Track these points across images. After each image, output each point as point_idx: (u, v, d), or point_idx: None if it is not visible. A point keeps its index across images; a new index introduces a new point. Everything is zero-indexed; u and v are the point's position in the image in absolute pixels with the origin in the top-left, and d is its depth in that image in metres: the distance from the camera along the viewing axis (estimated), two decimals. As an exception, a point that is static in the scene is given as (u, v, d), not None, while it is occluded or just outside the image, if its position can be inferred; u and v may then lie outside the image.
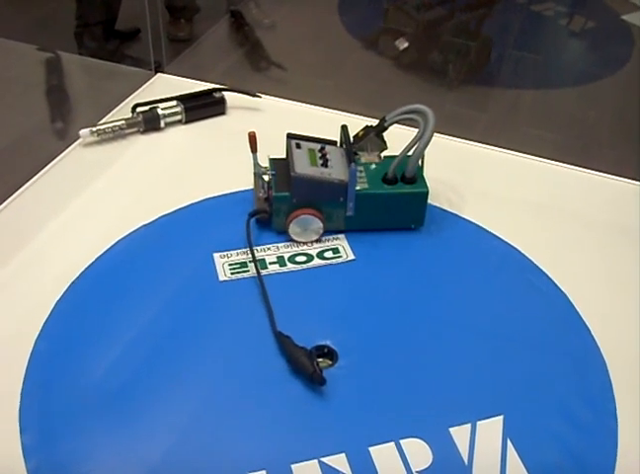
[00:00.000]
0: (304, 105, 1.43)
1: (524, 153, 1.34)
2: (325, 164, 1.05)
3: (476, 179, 1.24)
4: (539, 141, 1.81)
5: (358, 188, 1.05)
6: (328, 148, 1.09)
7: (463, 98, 2.16)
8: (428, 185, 1.07)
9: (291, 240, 1.08)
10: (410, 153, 1.05)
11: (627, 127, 2.03)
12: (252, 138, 1.06)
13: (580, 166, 1.32)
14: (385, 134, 1.10)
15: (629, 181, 1.29)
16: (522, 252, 1.10)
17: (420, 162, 1.08)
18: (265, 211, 1.08)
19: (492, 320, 1.00)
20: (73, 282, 1.00)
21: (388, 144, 1.11)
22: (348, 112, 1.39)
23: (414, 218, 1.10)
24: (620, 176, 1.30)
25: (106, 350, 0.92)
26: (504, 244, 1.11)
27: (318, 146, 1.09)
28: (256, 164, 1.08)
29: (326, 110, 1.41)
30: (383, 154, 1.11)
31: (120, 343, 0.93)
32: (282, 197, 1.05)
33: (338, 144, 1.11)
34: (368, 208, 1.07)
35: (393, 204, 1.07)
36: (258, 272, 1.02)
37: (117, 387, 0.87)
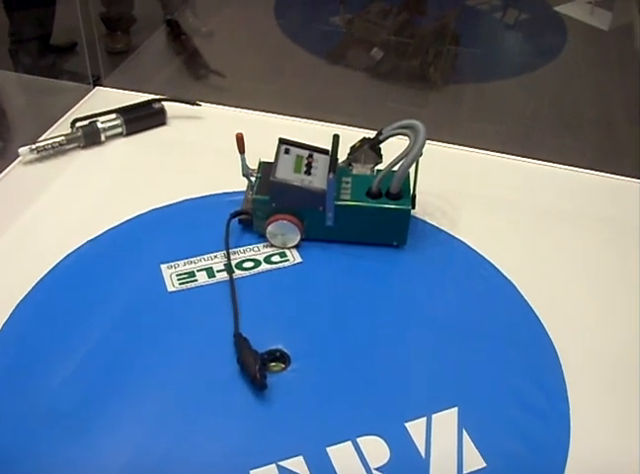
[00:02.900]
0: (246, 111, 1.43)
1: (468, 147, 1.36)
2: (308, 172, 1.05)
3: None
4: (482, 134, 1.84)
5: (340, 199, 1.05)
6: (316, 156, 1.08)
7: (402, 95, 2.18)
8: (415, 201, 1.07)
9: (270, 244, 1.08)
10: (395, 168, 1.04)
11: (566, 114, 2.07)
12: (239, 139, 1.06)
13: (523, 156, 1.34)
14: (387, 145, 1.09)
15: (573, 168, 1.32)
16: (469, 244, 1.12)
17: (414, 178, 1.07)
18: (246, 213, 1.09)
19: (441, 315, 1.01)
20: (19, 304, 0.98)
21: (390, 156, 1.07)
22: (290, 115, 1.40)
23: (396, 235, 1.08)
24: (562, 163, 1.33)
25: (56, 370, 0.90)
26: (451, 237, 1.13)
27: (307, 153, 1.09)
28: (244, 165, 1.08)
29: (268, 114, 1.42)
30: (377, 167, 1.10)
31: (71, 362, 0.91)
32: (262, 200, 1.05)
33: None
34: (349, 220, 1.06)
35: (373, 219, 1.06)
36: (230, 274, 1.02)
37: (69, 406, 0.86)
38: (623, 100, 2.09)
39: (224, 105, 1.44)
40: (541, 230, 1.17)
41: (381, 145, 1.09)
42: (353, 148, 1.11)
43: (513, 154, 1.34)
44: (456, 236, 1.13)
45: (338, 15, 2.51)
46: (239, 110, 1.43)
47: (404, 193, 1.06)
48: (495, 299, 1.04)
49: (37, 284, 1.01)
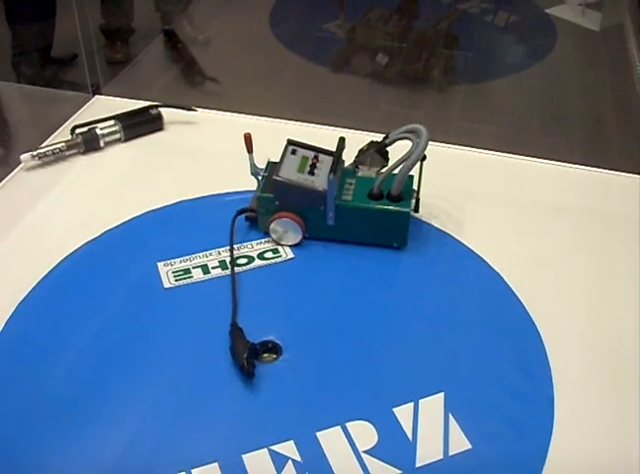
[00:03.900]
0: (240, 115, 1.46)
1: (463, 146, 1.38)
2: (312, 172, 1.08)
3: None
4: (474, 133, 1.86)
5: (341, 199, 1.07)
6: (322, 158, 1.11)
7: (397, 97, 2.20)
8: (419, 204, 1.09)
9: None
10: (396, 171, 1.06)
11: (556, 113, 2.09)
12: (247, 139, 1.09)
13: (516, 154, 1.37)
14: (394, 149, 1.10)
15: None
16: (456, 237, 1.15)
17: (417, 182, 1.09)
18: (251, 210, 1.12)
19: (430, 306, 1.04)
20: (21, 302, 1.02)
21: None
22: (282, 118, 1.43)
23: (396, 237, 1.10)
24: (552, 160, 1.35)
25: (57, 363, 0.94)
26: (438, 231, 1.16)
27: (312, 154, 1.11)
28: (252, 165, 1.11)
29: (262, 118, 1.45)
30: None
31: (72, 354, 0.95)
32: (266, 198, 1.08)
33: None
34: (350, 221, 1.09)
35: (373, 220, 1.08)
36: (232, 267, 1.06)
37: (69, 397, 0.90)
38: (610, 97, 2.11)
39: (219, 110, 1.48)
40: (528, 222, 1.20)
41: (389, 149, 1.11)
42: (361, 151, 1.13)
43: (507, 152, 1.37)
44: (449, 232, 1.16)
45: (330, 22, 2.53)
46: (234, 114, 1.47)
47: (405, 195, 1.08)
48: (482, 290, 1.06)
49: (38, 283, 1.05)
